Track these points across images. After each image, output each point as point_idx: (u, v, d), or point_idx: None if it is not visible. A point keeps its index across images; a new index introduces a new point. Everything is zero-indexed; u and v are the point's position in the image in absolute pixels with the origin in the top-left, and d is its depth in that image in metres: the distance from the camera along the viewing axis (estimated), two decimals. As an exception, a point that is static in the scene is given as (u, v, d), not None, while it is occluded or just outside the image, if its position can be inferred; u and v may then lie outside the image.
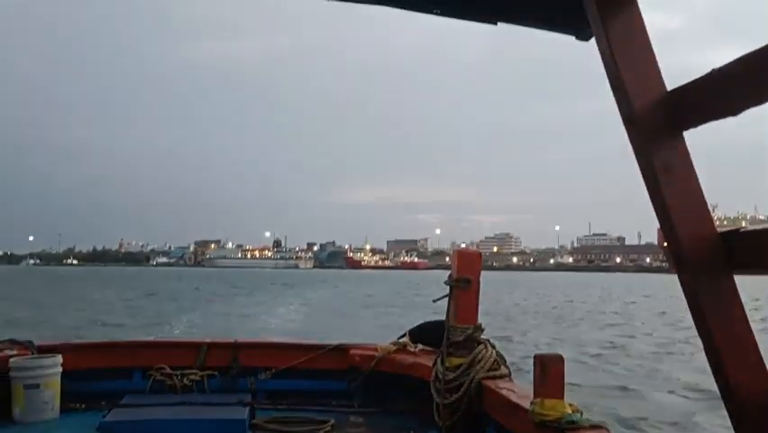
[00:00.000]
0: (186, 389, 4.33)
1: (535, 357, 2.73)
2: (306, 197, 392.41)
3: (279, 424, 3.86)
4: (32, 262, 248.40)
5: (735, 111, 1.57)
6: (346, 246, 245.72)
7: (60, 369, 4.06)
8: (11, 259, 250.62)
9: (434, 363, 3.61)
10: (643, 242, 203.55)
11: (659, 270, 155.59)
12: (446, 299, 3.59)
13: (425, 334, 4.34)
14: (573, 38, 2.25)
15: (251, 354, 4.56)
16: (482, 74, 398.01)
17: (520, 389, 3.17)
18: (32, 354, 4.19)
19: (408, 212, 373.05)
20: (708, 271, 1.68)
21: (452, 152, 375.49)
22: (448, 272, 3.66)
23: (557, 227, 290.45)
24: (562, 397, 2.64)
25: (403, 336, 4.53)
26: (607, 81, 1.88)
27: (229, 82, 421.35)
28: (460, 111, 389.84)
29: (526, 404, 2.74)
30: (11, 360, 3.99)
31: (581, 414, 2.62)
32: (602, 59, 1.86)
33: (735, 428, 1.66)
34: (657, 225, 1.73)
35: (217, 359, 4.50)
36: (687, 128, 1.73)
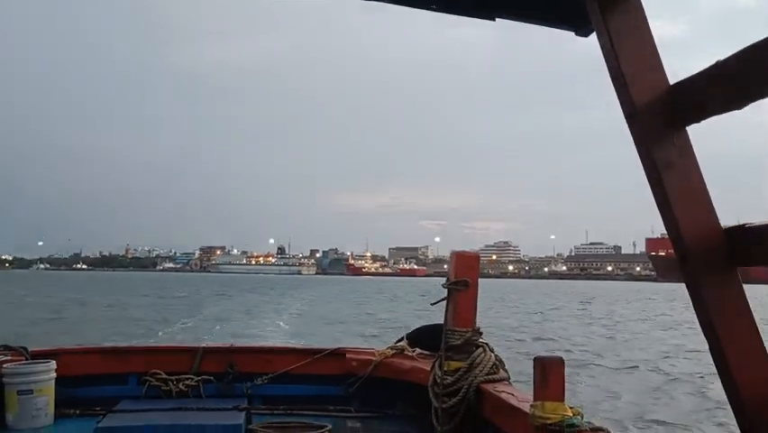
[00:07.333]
0: (181, 394, 4.29)
1: (535, 360, 2.69)
2: (309, 204, 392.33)
3: (276, 429, 3.82)
4: (41, 266, 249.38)
5: (739, 104, 1.55)
6: (348, 253, 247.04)
7: (54, 375, 4.02)
8: (21, 263, 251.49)
9: (433, 367, 3.57)
10: (637, 251, 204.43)
11: (647, 278, 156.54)
12: (444, 302, 3.56)
13: (423, 337, 4.29)
14: (573, 34, 2.23)
15: (246, 359, 4.52)
16: (484, 82, 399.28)
17: (520, 392, 3.14)
18: (26, 359, 4.14)
19: (411, 219, 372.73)
20: (712, 266, 1.66)
21: (455, 160, 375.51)
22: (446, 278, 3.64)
23: (552, 237, 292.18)
24: (562, 400, 2.60)
25: (400, 339, 4.49)
26: (605, 85, 1.86)
27: (232, 88, 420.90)
28: (461, 118, 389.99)
29: (526, 408, 2.71)
30: (4, 366, 3.94)
31: (582, 417, 2.58)
32: (603, 53, 1.84)
33: (740, 428, 1.63)
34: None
35: (213, 364, 4.45)
36: (690, 123, 1.71)
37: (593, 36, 1.94)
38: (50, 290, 56.69)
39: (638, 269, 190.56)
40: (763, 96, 1.49)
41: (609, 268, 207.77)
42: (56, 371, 4.03)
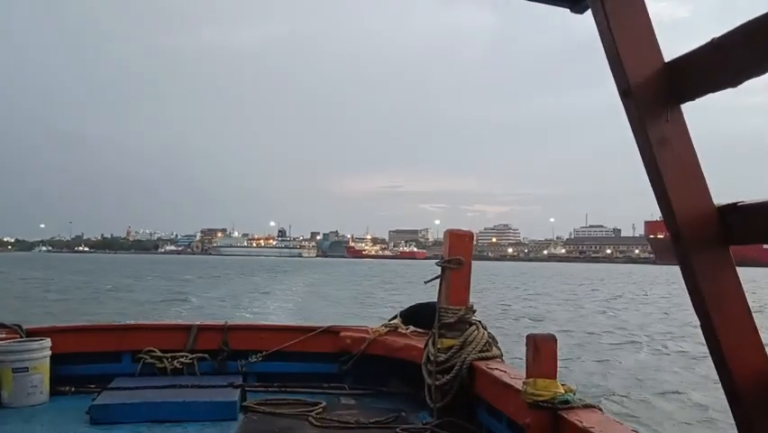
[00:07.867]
0: (176, 372, 4.30)
1: (528, 337, 2.70)
2: (310, 187, 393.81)
3: (271, 406, 3.83)
4: (43, 248, 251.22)
5: (735, 82, 1.53)
6: (348, 236, 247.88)
7: (49, 352, 4.02)
8: (22, 245, 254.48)
9: (426, 345, 3.60)
10: (637, 234, 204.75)
11: (646, 261, 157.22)
12: (437, 280, 3.56)
13: (417, 315, 4.32)
14: (568, 11, 2.20)
15: (241, 337, 4.53)
16: (485, 66, 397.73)
17: (512, 369, 3.16)
18: (21, 337, 4.15)
19: (411, 202, 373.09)
20: (705, 244, 1.64)
21: (456, 143, 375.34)
22: None
23: (552, 219, 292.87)
24: (554, 377, 2.62)
25: (394, 317, 4.51)
26: (603, 66, 1.83)
27: (235, 74, 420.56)
28: (461, 103, 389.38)
29: (519, 385, 2.73)
30: None
31: (574, 394, 2.60)
32: (598, 30, 1.81)
33: (731, 406, 1.62)
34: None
35: (207, 342, 4.46)
36: (685, 100, 1.68)
37: (589, 14, 1.90)
38: (52, 273, 56.97)
39: (637, 251, 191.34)
40: (760, 74, 1.46)
41: (608, 251, 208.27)
42: (51, 349, 4.03)
